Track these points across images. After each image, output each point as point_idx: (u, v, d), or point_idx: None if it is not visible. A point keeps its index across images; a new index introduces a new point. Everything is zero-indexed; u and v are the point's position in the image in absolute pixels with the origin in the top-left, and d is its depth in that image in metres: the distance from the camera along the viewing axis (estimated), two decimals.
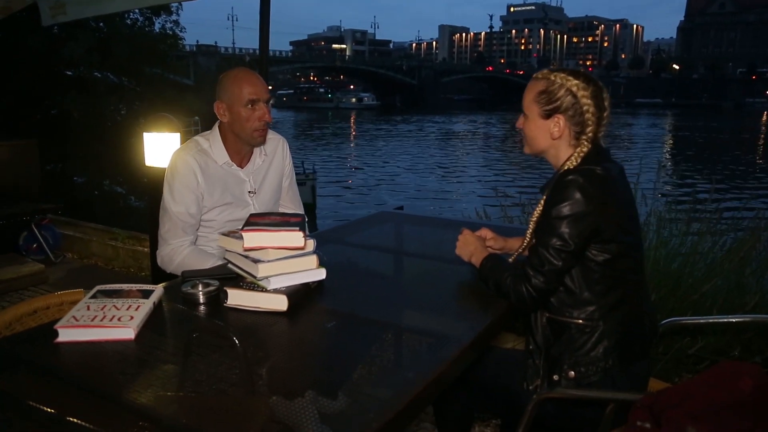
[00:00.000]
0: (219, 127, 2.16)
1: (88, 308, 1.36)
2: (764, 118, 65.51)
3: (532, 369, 1.61)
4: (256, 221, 1.54)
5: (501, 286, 1.54)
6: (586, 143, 1.56)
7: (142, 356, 1.23)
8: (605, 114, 1.58)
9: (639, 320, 1.60)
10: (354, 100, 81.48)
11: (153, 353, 1.25)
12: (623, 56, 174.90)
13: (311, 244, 1.54)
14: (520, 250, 1.76)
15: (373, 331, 1.40)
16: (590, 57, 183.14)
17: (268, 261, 1.45)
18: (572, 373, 1.53)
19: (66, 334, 1.26)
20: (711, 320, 2.06)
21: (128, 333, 1.28)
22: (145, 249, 4.58)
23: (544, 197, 1.57)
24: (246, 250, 1.47)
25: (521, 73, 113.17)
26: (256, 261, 1.45)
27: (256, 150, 2.23)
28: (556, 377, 1.55)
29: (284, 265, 1.48)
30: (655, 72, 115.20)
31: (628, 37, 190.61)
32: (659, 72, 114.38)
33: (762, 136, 44.64)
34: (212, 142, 2.14)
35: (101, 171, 10.93)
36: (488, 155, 29.32)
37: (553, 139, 1.59)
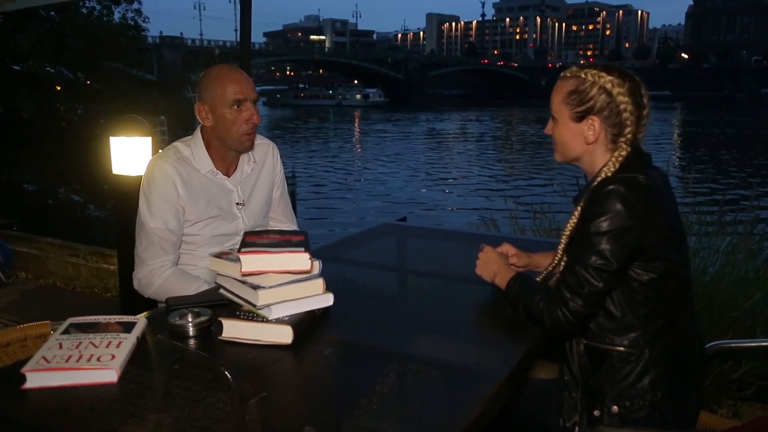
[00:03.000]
0: (201, 131, 2.10)
1: (60, 346, 1.28)
2: None
3: (568, 403, 1.57)
4: (253, 241, 1.47)
5: (532, 310, 1.49)
6: (624, 146, 1.52)
7: (129, 403, 1.16)
8: (644, 112, 1.54)
9: (688, 346, 1.56)
10: (359, 96, 79.00)
11: (141, 399, 1.18)
12: (627, 45, 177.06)
13: (317, 266, 1.48)
14: (549, 268, 1.71)
15: (393, 366, 1.35)
16: (591, 46, 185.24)
17: (270, 287, 1.39)
18: (615, 407, 1.49)
19: (35, 379, 1.18)
20: (763, 343, 2.03)
21: (110, 375, 1.20)
22: (111, 267, 4.49)
23: (579, 208, 1.52)
24: (244, 275, 1.40)
25: (516, 65, 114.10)
26: (255, 287, 1.39)
27: (244, 157, 2.17)
28: (597, 413, 1.51)
29: (287, 291, 1.41)
30: (663, 62, 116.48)
31: (632, 24, 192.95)
32: (667, 62, 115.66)
33: None
34: (194, 148, 2.08)
35: (56, 178, 10.75)
36: (488, 157, 29.21)
37: (587, 144, 1.55)
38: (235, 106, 1.98)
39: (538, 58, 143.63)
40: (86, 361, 1.22)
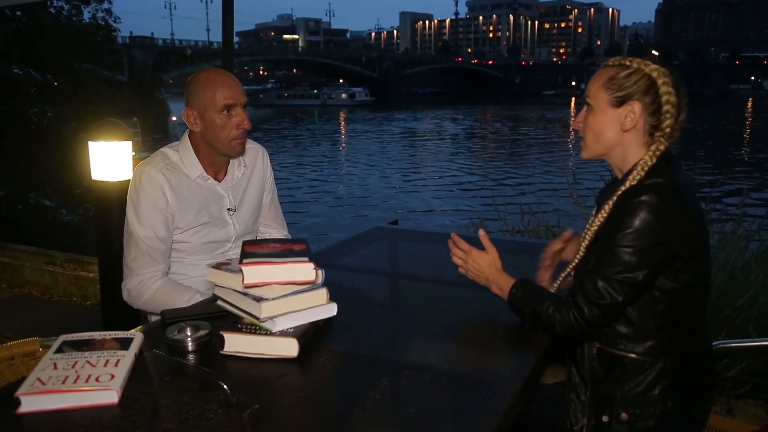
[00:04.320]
0: (189, 136, 2.04)
1: (55, 366, 1.22)
2: (749, 106, 67.76)
3: (576, 405, 1.54)
4: (254, 251, 1.42)
5: (542, 317, 1.46)
6: (663, 140, 1.46)
7: (131, 426, 1.10)
8: (683, 115, 1.47)
9: (702, 355, 1.54)
10: (344, 95, 77.90)
11: (143, 421, 1.12)
12: (599, 42, 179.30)
13: (320, 275, 1.44)
14: (571, 266, 1.62)
15: (405, 378, 1.32)
16: (563, 44, 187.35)
17: (273, 299, 1.34)
18: (625, 414, 1.46)
19: (31, 403, 1.12)
20: (765, 343, 2.03)
21: (111, 396, 1.15)
22: (90, 274, 4.39)
23: (606, 209, 1.46)
24: (246, 287, 1.36)
25: (491, 62, 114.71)
26: (258, 299, 1.34)
27: (234, 161, 2.12)
28: (605, 418, 1.48)
29: (291, 302, 1.37)
30: (638, 57, 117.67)
31: (603, 21, 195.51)
32: (642, 57, 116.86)
33: (749, 126, 46.07)
34: (183, 153, 2.02)
35: (27, 182, 10.49)
36: (467, 156, 28.95)
37: (623, 131, 1.48)
38: (225, 111, 1.93)
39: (512, 55, 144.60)
40: (84, 381, 1.17)
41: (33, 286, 4.75)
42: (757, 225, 3.23)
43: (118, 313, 3.32)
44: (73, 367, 1.22)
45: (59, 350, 1.29)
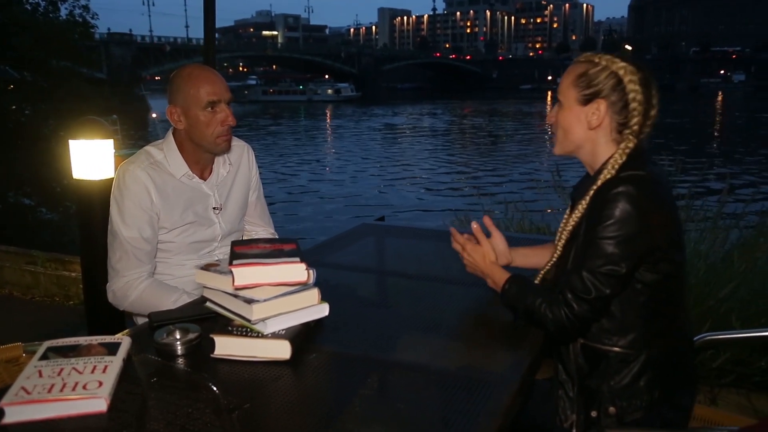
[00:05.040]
0: (173, 134, 1.98)
1: (41, 374, 1.17)
2: (719, 99, 68.63)
3: (564, 402, 1.53)
4: (243, 252, 1.38)
5: (534, 314, 1.44)
6: (631, 138, 1.45)
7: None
8: (653, 112, 1.47)
9: (684, 345, 1.54)
10: (330, 91, 76.68)
11: (132, 428, 1.08)
12: (574, 38, 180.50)
13: (312, 275, 1.40)
14: (547, 267, 1.64)
15: (399, 379, 1.28)
16: (539, 39, 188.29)
17: (264, 300, 1.30)
18: (612, 408, 1.45)
19: (16, 413, 1.07)
20: (751, 334, 2.03)
21: (99, 405, 1.10)
22: (73, 274, 4.28)
23: (582, 206, 1.46)
24: (237, 288, 1.31)
25: (468, 57, 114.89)
26: (249, 301, 1.30)
27: (219, 159, 2.07)
28: (594, 413, 1.47)
29: (282, 303, 1.33)
30: (608, 53, 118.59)
31: (578, 17, 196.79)
32: (612, 53, 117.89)
33: (719, 118, 46.66)
34: (167, 152, 1.97)
35: (5, 181, 10.27)
36: (449, 151, 28.59)
37: (590, 128, 1.48)
38: (209, 108, 1.88)
39: (489, 51, 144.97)
40: (71, 390, 1.11)
41: (14, 287, 4.63)
42: (737, 215, 3.24)
43: (102, 313, 3.25)
44: (59, 374, 1.17)
45: (44, 357, 1.24)
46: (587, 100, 1.47)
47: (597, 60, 1.47)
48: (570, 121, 1.50)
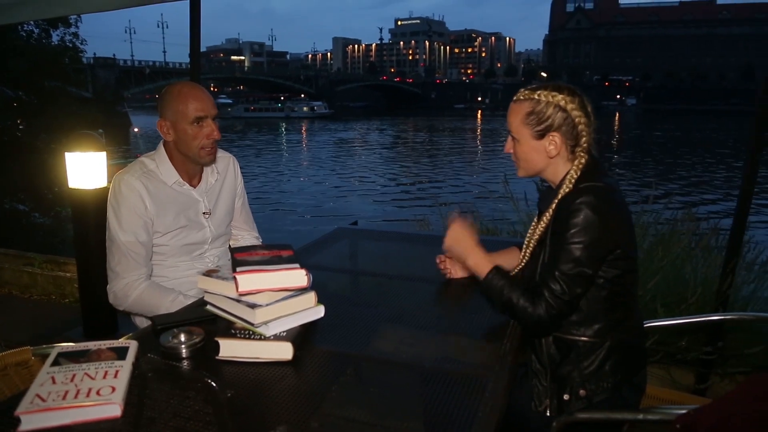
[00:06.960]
0: (164, 146, 1.87)
1: (54, 381, 1.04)
2: (617, 118, 70.96)
3: (539, 389, 1.48)
4: (244, 259, 1.27)
5: (515, 309, 1.39)
6: (582, 155, 1.45)
7: None
8: (594, 126, 1.47)
9: (638, 332, 1.54)
10: (306, 109, 75.64)
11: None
12: (499, 65, 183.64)
13: (309, 279, 1.31)
14: (515, 271, 1.60)
15: (398, 376, 1.19)
16: (471, 66, 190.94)
17: (267, 305, 1.20)
18: (583, 391, 1.42)
19: (32, 421, 0.95)
20: (692, 320, 2.05)
21: (114, 410, 0.99)
22: (68, 274, 4.03)
23: (547, 216, 1.43)
24: (241, 295, 1.21)
25: (410, 81, 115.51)
26: (252, 306, 1.20)
27: (207, 168, 1.96)
28: (566, 397, 1.43)
29: (283, 307, 1.23)
30: (527, 79, 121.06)
31: (502, 48, 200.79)
32: (530, 79, 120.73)
33: (618, 133, 48.18)
34: (159, 162, 1.85)
35: (1, 189, 9.74)
36: (403, 162, 27.52)
37: (550, 157, 1.47)
38: (196, 123, 1.78)
39: (428, 75, 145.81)
40: (85, 396, 1.00)
41: (13, 287, 4.33)
42: (654, 217, 3.28)
43: (96, 310, 3.07)
44: (72, 380, 1.05)
45: (56, 363, 1.11)
46: (541, 135, 1.45)
47: (537, 96, 1.44)
48: (529, 154, 1.48)
